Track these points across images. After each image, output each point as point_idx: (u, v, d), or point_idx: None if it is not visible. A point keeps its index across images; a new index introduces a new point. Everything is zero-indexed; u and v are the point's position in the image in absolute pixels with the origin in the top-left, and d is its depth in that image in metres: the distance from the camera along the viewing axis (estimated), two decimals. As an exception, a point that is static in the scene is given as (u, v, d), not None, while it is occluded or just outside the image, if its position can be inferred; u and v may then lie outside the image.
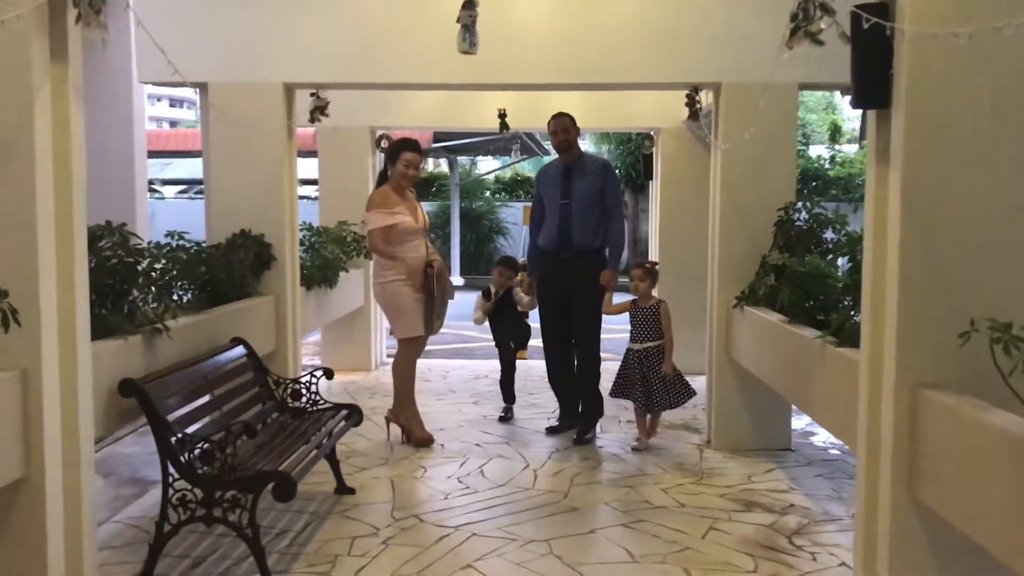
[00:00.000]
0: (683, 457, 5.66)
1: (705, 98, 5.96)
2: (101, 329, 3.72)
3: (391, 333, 6.10)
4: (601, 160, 6.55)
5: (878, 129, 3.09)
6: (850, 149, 22.87)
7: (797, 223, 5.38)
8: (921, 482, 2.86)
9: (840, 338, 3.84)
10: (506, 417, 6.58)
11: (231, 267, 5.40)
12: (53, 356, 3.10)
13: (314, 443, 4.46)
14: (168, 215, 16.43)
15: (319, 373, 4.90)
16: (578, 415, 6.17)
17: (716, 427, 5.87)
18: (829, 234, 5.25)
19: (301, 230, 7.13)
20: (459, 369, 8.67)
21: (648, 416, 5.92)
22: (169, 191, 28.44)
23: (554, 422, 6.33)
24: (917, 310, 2.88)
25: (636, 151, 18.10)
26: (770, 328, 4.81)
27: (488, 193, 21.94)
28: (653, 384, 5.78)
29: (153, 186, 27.10)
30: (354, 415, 4.83)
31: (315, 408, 4.87)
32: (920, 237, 2.88)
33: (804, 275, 4.45)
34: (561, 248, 6.01)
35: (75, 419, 3.21)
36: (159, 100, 51.84)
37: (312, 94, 5.96)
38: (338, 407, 4.87)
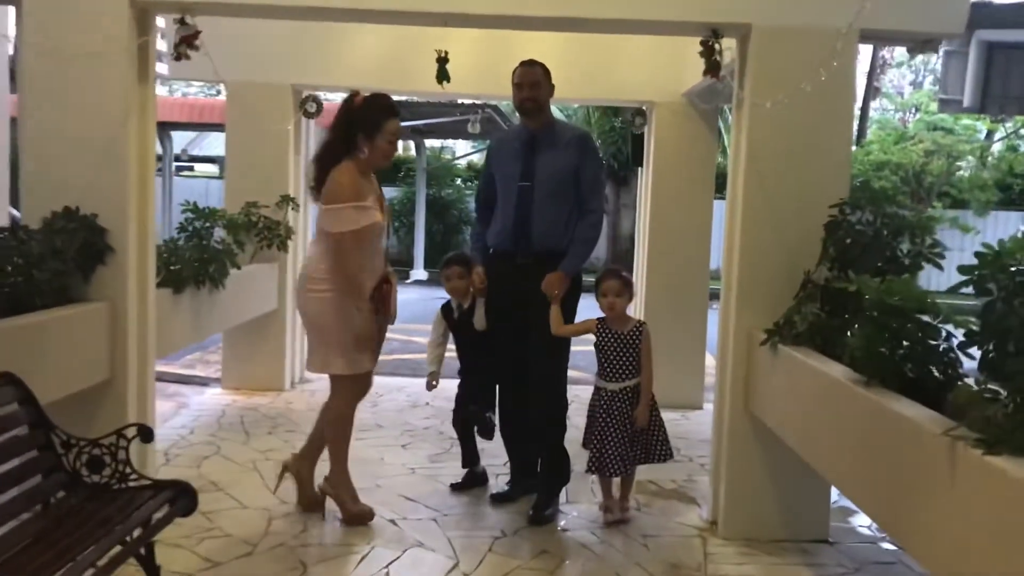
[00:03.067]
0: (679, 550, 4.01)
1: (730, 54, 4.29)
2: None
3: (314, 367, 4.21)
4: (578, 131, 4.87)
5: None
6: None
7: (858, 227, 3.73)
8: None
9: (984, 433, 2.19)
10: (463, 485, 4.73)
11: (38, 261, 3.71)
12: None
13: (116, 537, 2.82)
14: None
15: (131, 432, 3.19)
16: (535, 477, 4.52)
17: (726, 506, 4.22)
18: (906, 245, 3.62)
19: (184, 211, 5.44)
20: (395, 393, 6.95)
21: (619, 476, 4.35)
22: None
23: (503, 486, 4.66)
24: None
25: (620, 133, 16.29)
26: (829, 388, 3.15)
27: (459, 181, 20.17)
28: (635, 435, 4.22)
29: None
30: (182, 499, 3.13)
31: (124, 485, 3.17)
32: None
33: (893, 310, 2.79)
34: (517, 248, 4.34)
35: None
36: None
37: (177, 20, 4.23)
38: (159, 485, 3.16)
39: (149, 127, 4.25)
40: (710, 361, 7.53)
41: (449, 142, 22.28)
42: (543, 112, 4.40)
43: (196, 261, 5.00)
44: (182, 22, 4.19)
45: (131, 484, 3.16)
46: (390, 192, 19.36)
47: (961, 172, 20.19)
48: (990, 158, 21.08)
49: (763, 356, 3.88)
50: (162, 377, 7.54)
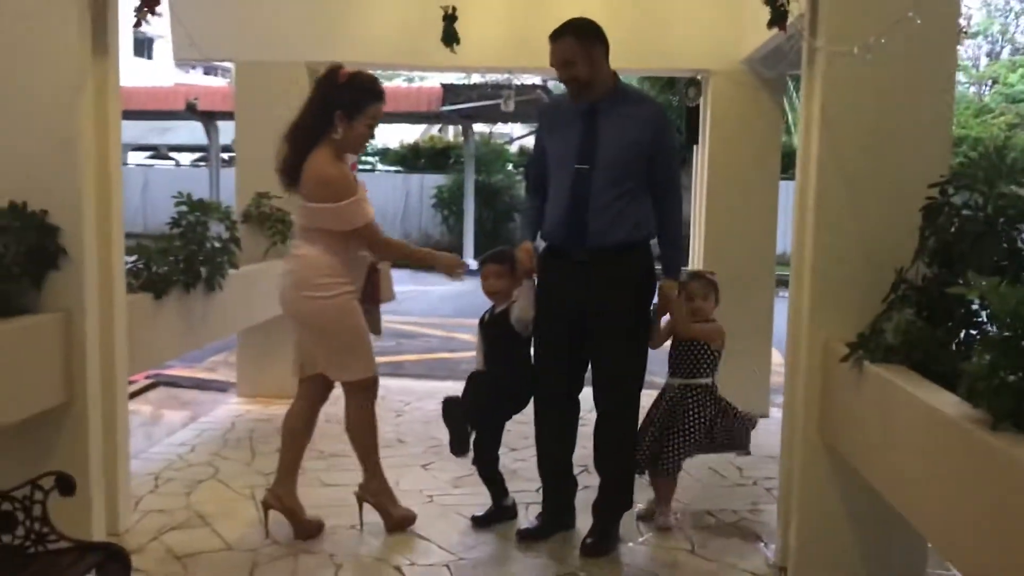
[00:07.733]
0: (743, 606, 3.30)
1: (797, 7, 3.52)
2: None
3: (334, 374, 3.73)
4: (652, 102, 3.96)
5: None
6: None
7: (965, 212, 2.95)
8: None
9: None
10: (488, 519, 4.00)
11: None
12: None
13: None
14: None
15: (48, 484, 2.58)
16: (570, 515, 3.88)
17: (798, 549, 3.47)
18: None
19: (177, 204, 4.84)
20: (425, 400, 6.27)
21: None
22: (186, 159, 26.03)
23: (532, 520, 3.98)
24: None
25: (678, 111, 15.25)
26: (937, 427, 2.39)
27: (509, 166, 19.43)
28: (695, 426, 3.88)
29: (159, 150, 24.84)
30: (111, 565, 2.51)
31: (40, 547, 2.56)
32: None
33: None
34: (571, 243, 3.60)
35: None
36: (193, 68, 49.07)
37: (139, -20, 3.61)
38: (82, 548, 2.55)
39: (110, 108, 3.64)
40: (777, 359, 6.74)
41: (503, 127, 21.56)
42: (592, 88, 3.57)
43: (183, 261, 4.40)
44: (144, -18, 3.57)
45: (50, 546, 2.56)
46: (437, 179, 18.78)
47: (1047, 147, 18.85)
48: (1080, 130, 19.65)
49: (844, 374, 3.12)
50: (179, 383, 7.05)
